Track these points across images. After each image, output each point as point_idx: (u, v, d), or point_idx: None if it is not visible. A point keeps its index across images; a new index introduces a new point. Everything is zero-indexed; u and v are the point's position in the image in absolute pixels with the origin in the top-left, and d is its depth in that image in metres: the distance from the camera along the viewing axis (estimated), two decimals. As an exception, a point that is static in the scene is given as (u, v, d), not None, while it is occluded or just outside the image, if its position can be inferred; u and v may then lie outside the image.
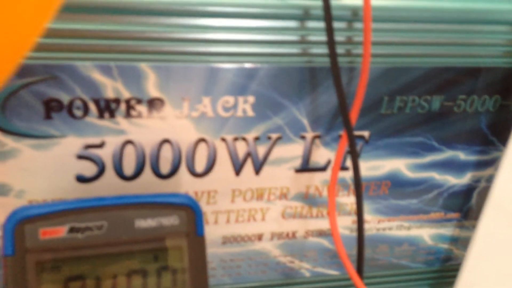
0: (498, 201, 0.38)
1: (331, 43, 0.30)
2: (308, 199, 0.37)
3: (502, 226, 0.38)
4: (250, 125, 0.33)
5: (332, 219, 0.33)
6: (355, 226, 0.40)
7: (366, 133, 0.36)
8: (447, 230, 0.43)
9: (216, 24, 0.30)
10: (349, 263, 0.33)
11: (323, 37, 0.31)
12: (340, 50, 0.32)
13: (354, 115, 0.32)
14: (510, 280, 0.39)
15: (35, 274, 0.28)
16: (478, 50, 0.35)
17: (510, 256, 0.38)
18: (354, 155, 0.32)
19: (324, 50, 0.32)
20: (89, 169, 0.32)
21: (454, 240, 0.44)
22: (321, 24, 0.31)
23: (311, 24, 0.31)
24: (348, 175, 0.37)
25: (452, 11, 0.33)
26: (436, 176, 0.40)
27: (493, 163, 0.40)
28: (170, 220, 0.29)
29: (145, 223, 0.29)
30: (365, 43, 0.31)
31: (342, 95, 0.31)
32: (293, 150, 0.35)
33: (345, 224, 0.40)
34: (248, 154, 0.34)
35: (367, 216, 0.40)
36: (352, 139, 0.32)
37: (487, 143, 0.39)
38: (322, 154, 0.36)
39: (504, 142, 0.39)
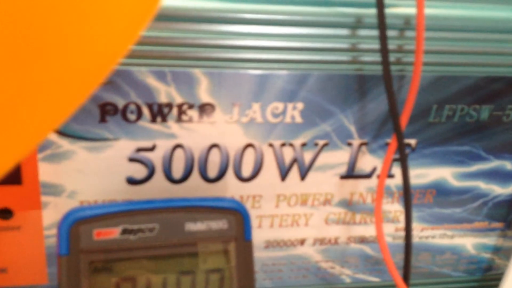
0: (546, 212, 0.37)
1: (384, 51, 0.30)
2: (352, 205, 0.38)
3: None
4: (298, 131, 0.34)
5: (378, 226, 0.33)
6: (398, 233, 0.40)
7: (413, 141, 0.36)
8: (490, 240, 0.43)
9: (267, 31, 0.31)
10: (396, 271, 0.33)
11: (373, 45, 0.32)
12: (391, 58, 0.32)
13: (403, 122, 0.33)
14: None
15: (89, 274, 0.29)
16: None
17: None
18: (404, 163, 0.33)
19: (374, 58, 0.32)
20: (139, 171, 0.33)
21: (497, 250, 0.44)
22: (372, 32, 0.32)
23: (362, 32, 0.32)
24: (393, 182, 0.38)
25: (501, 20, 0.33)
26: (482, 185, 0.40)
27: (541, 173, 0.40)
28: (219, 224, 0.30)
29: (195, 226, 0.30)
30: (417, 52, 0.31)
31: (393, 103, 0.31)
32: (339, 156, 0.35)
33: (388, 231, 0.40)
34: (295, 160, 0.35)
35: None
36: (402, 147, 0.32)
37: (536, 153, 0.39)
38: (368, 161, 0.36)
39: (553, 152, 0.39)
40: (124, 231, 0.29)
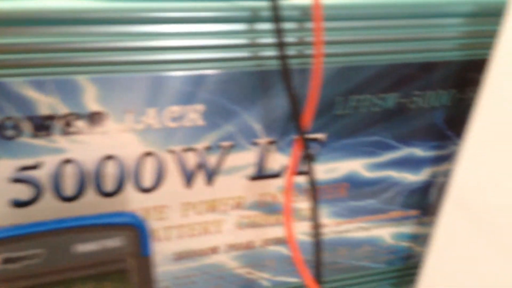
0: (456, 196, 0.39)
1: (280, 44, 0.30)
2: (264, 207, 0.38)
3: (460, 221, 0.40)
4: (200, 134, 0.33)
5: (288, 226, 0.34)
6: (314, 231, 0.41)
7: (322, 136, 0.37)
8: (407, 228, 0.45)
9: (158, 30, 0.30)
10: (306, 271, 0.33)
11: (272, 39, 0.32)
12: (291, 51, 0.33)
13: (308, 117, 0.33)
14: (470, 275, 0.41)
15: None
16: (431, 44, 0.36)
17: (470, 251, 0.40)
18: (309, 159, 0.33)
19: (273, 52, 0.32)
20: (25, 192, 0.31)
21: (414, 238, 0.46)
22: (269, 26, 0.32)
23: (260, 26, 0.31)
24: (305, 179, 0.38)
25: (402, 6, 0.34)
26: (394, 174, 0.41)
27: (450, 158, 0.42)
28: (113, 242, 0.29)
29: (86, 247, 0.29)
30: (316, 43, 0.31)
31: (293, 98, 0.31)
32: (247, 157, 0.35)
33: (304, 230, 0.40)
34: (199, 165, 0.34)
35: (325, 220, 0.41)
36: (306, 143, 0.32)
37: (444, 138, 0.41)
38: (277, 160, 0.36)
39: (461, 136, 0.41)
40: (6, 261, 0.27)
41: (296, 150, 0.34)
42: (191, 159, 0.34)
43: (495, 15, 0.35)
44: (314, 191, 0.34)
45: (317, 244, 0.34)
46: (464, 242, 0.40)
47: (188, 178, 0.34)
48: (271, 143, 0.35)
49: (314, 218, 0.34)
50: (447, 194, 0.40)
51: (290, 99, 0.31)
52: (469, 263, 0.40)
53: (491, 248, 0.39)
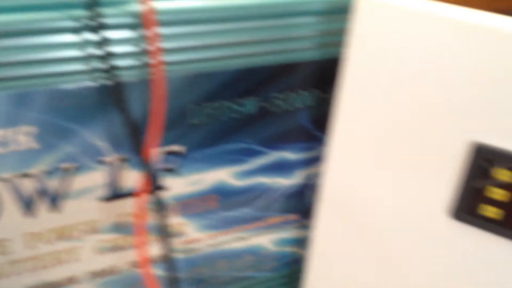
0: (329, 196, 0.38)
1: (106, 55, 0.28)
2: (124, 228, 0.35)
3: (336, 220, 0.39)
4: (35, 158, 0.30)
5: (141, 250, 0.31)
6: (188, 246, 0.39)
7: (180, 148, 0.35)
8: (289, 233, 0.44)
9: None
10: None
11: (100, 50, 0.29)
12: (130, 61, 0.30)
13: (156, 130, 0.31)
14: (350, 272, 0.40)
15: None
16: (289, 45, 0.35)
17: (348, 249, 0.39)
18: (149, 173, 0.31)
19: (104, 64, 0.30)
20: None
21: (297, 242, 0.45)
22: (97, 36, 0.29)
23: (91, 37, 0.29)
24: (170, 194, 0.36)
25: (255, 7, 0.33)
26: (266, 180, 0.40)
27: (321, 158, 0.41)
28: None
29: None
30: (153, 52, 0.29)
31: (126, 114, 0.29)
32: (95, 178, 0.33)
33: (176, 246, 0.38)
34: (40, 191, 0.31)
35: (197, 234, 0.39)
36: (149, 163, 0.30)
37: (313, 139, 0.40)
38: (132, 177, 0.34)
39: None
40: None
41: (147, 165, 0.31)
42: (28, 185, 0.31)
43: (346, 12, 0.35)
44: (162, 210, 0.32)
45: (170, 262, 0.32)
46: (341, 241, 0.39)
47: (27, 206, 0.31)
48: (123, 160, 0.33)
49: (164, 237, 0.32)
50: (321, 195, 0.39)
51: (123, 115, 0.29)
52: (349, 260, 0.40)
53: (367, 244, 0.38)
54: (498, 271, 0.34)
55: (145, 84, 0.31)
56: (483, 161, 0.31)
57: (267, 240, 0.43)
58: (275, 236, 0.43)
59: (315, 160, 0.41)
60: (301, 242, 0.44)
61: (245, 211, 0.40)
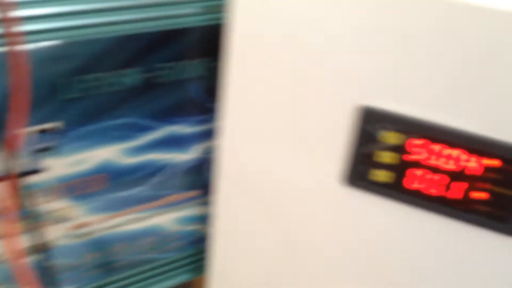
0: (226, 171, 0.37)
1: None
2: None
3: (235, 195, 0.38)
4: None
5: (12, 237, 0.29)
6: (79, 231, 0.37)
7: (56, 124, 0.32)
8: (190, 211, 0.42)
9: None
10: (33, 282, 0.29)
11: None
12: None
13: (20, 108, 0.28)
14: (255, 246, 0.39)
15: None
16: (172, 9, 0.33)
17: (250, 223, 0.38)
18: (13, 154, 0.28)
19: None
20: None
21: (200, 220, 0.43)
22: None
23: None
24: (48, 176, 0.34)
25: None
26: (159, 156, 0.38)
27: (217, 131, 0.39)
28: None
29: None
30: (9, 20, 0.27)
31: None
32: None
33: (63, 232, 0.36)
34: None
35: (87, 218, 0.37)
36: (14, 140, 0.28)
37: (207, 111, 0.38)
38: None
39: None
40: None
41: (11, 147, 0.29)
42: None
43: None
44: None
45: (45, 252, 0.29)
46: (243, 215, 0.38)
47: None
48: (-12, 141, 0.30)
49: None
50: (218, 170, 0.37)
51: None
52: (252, 234, 0.39)
53: (267, 216, 0.37)
54: (392, 235, 0.33)
55: (3, 57, 0.28)
56: (370, 124, 0.31)
57: (167, 219, 0.41)
58: (176, 214, 0.41)
59: (211, 134, 0.39)
60: (204, 220, 0.43)
61: (139, 190, 0.38)
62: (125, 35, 0.32)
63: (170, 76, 0.35)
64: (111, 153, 0.35)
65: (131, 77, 0.33)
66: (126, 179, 0.37)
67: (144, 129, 0.36)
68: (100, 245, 0.38)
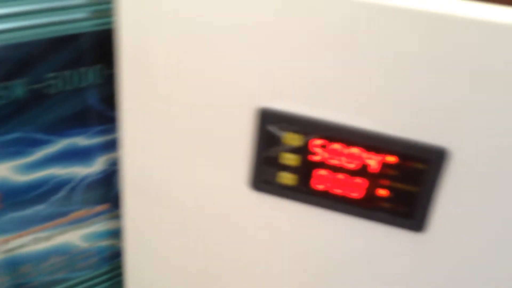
0: (131, 182, 0.35)
1: None
2: None
3: (144, 207, 0.36)
4: None
5: None
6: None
7: None
8: (100, 226, 0.40)
9: None
10: None
11: None
12: None
13: None
14: (170, 256, 0.38)
15: None
16: (59, 15, 0.31)
17: (162, 234, 0.37)
18: None
19: None
20: None
21: (113, 234, 0.41)
22: None
23: None
24: None
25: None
26: (59, 171, 0.36)
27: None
28: None
29: None
30: None
31: None
32: None
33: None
34: None
35: (-18, 242, 0.34)
36: None
37: (108, 120, 0.36)
38: None
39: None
40: None
41: None
42: None
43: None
44: None
45: None
46: (154, 227, 0.36)
47: None
48: None
49: None
50: (124, 182, 0.35)
51: None
52: (165, 245, 0.37)
53: (178, 226, 0.36)
54: (302, 237, 0.33)
55: None
56: (271, 126, 0.30)
57: (75, 236, 0.39)
58: (85, 231, 0.39)
59: (114, 144, 0.37)
60: (118, 234, 0.41)
61: (40, 208, 0.36)
62: (8, 44, 0.30)
63: (61, 86, 0.33)
64: (3, 171, 0.33)
65: (17, 89, 0.31)
66: (23, 198, 0.35)
67: (39, 144, 0.34)
68: (3, 268, 0.36)
